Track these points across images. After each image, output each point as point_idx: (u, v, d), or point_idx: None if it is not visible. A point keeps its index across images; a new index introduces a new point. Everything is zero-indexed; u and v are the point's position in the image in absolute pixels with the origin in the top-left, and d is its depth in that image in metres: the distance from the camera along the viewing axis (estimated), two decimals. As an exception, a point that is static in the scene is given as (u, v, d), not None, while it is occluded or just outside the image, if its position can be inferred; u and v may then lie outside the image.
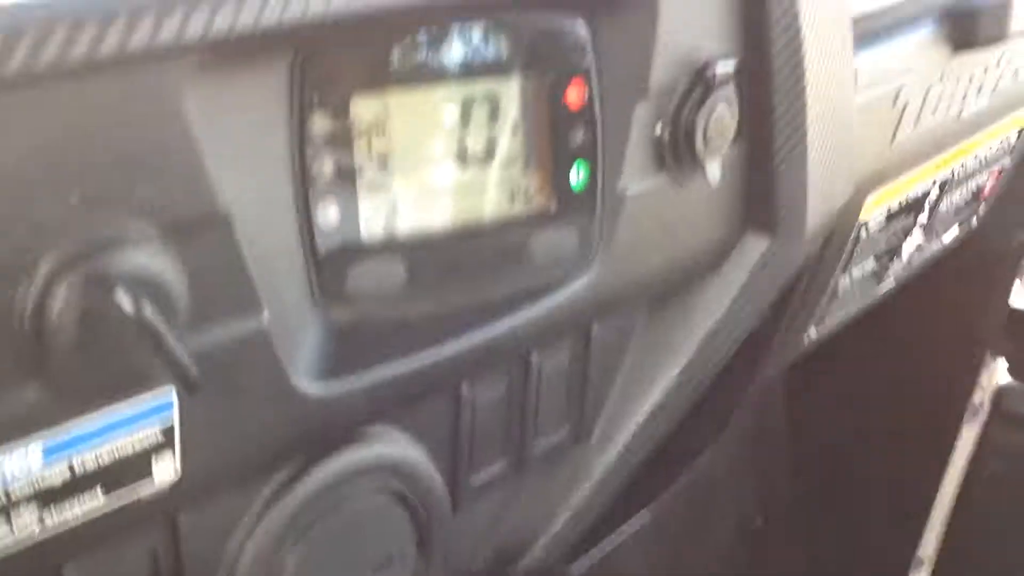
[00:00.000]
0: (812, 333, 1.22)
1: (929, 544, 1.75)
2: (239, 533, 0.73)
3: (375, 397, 0.73)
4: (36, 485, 0.58)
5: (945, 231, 1.36)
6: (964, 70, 1.14)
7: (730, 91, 0.85)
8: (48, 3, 0.51)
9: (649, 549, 1.52)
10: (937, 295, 1.56)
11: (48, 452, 0.58)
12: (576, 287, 0.83)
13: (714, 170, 0.87)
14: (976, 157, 1.28)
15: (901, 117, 1.07)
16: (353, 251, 0.72)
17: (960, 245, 1.43)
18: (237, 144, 0.63)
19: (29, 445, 0.57)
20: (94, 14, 0.51)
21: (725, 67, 0.83)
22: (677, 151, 0.84)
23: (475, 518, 0.96)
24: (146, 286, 0.56)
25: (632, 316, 0.98)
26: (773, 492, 1.81)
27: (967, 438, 1.70)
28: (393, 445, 0.80)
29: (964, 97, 1.16)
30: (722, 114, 0.84)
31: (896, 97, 1.05)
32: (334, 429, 0.74)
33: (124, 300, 0.54)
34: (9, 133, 0.52)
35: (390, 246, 0.74)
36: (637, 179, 0.83)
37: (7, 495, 0.57)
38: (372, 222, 0.72)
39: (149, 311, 0.54)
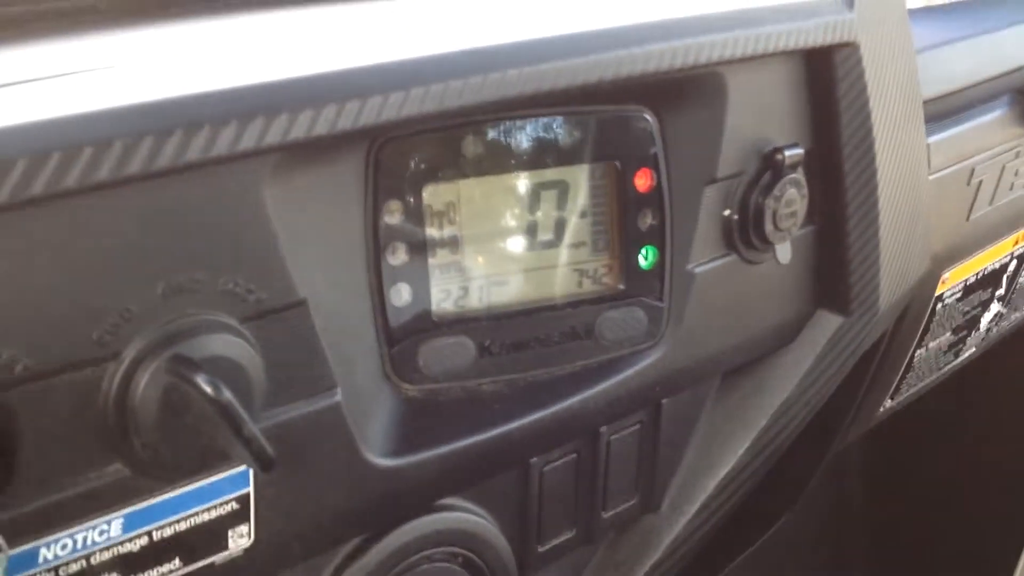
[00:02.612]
0: (887, 404, 1.22)
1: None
2: None
3: (445, 471, 0.75)
4: (116, 552, 0.61)
5: (1027, 303, 1.35)
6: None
7: (799, 175, 0.86)
8: (138, 112, 0.55)
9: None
10: (1020, 363, 1.54)
11: (128, 522, 0.61)
12: (645, 364, 0.84)
13: (784, 251, 0.88)
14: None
15: (976, 195, 1.07)
16: (424, 329, 0.75)
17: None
18: (314, 231, 0.66)
19: (111, 516, 0.60)
20: (181, 123, 0.55)
21: (794, 152, 0.85)
22: (746, 233, 0.86)
23: (543, 586, 0.97)
24: (226, 370, 0.59)
25: (704, 387, 0.99)
26: (849, 561, 1.79)
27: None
28: (461, 514, 0.82)
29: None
30: (791, 198, 0.86)
31: (971, 175, 1.05)
32: (405, 501, 0.76)
33: (204, 384, 0.57)
34: (101, 230, 0.56)
35: (461, 325, 0.76)
36: (705, 259, 0.85)
37: (88, 561, 0.60)
38: (443, 302, 0.75)
39: (227, 395, 0.57)
